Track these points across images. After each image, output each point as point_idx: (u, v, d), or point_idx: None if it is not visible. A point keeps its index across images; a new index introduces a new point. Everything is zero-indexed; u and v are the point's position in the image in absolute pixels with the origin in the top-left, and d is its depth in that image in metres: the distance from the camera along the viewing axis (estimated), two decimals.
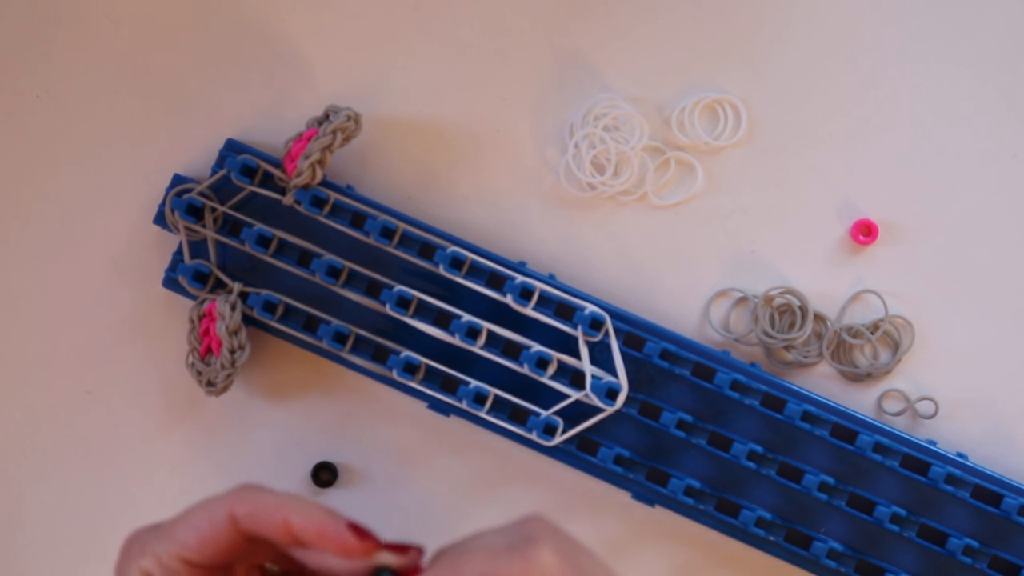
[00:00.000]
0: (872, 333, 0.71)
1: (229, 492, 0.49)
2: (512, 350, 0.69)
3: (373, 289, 0.69)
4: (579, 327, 0.68)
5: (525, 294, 0.68)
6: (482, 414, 0.68)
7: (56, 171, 0.73)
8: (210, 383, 0.69)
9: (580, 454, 0.69)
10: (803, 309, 0.71)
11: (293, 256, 0.69)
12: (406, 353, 0.69)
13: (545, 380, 0.68)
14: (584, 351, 0.68)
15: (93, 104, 0.74)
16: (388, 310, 0.68)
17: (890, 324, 0.72)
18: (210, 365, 0.69)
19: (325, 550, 0.48)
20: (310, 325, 0.70)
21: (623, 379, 0.68)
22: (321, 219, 0.69)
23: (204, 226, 0.69)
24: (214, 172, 0.70)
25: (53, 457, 0.73)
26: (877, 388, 0.72)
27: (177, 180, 0.71)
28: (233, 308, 0.68)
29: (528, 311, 0.68)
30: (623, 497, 0.70)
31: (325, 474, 0.72)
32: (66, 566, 0.73)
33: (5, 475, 0.73)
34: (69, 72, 0.74)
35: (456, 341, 0.68)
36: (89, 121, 0.73)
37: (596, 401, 0.68)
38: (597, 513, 0.72)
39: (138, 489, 0.73)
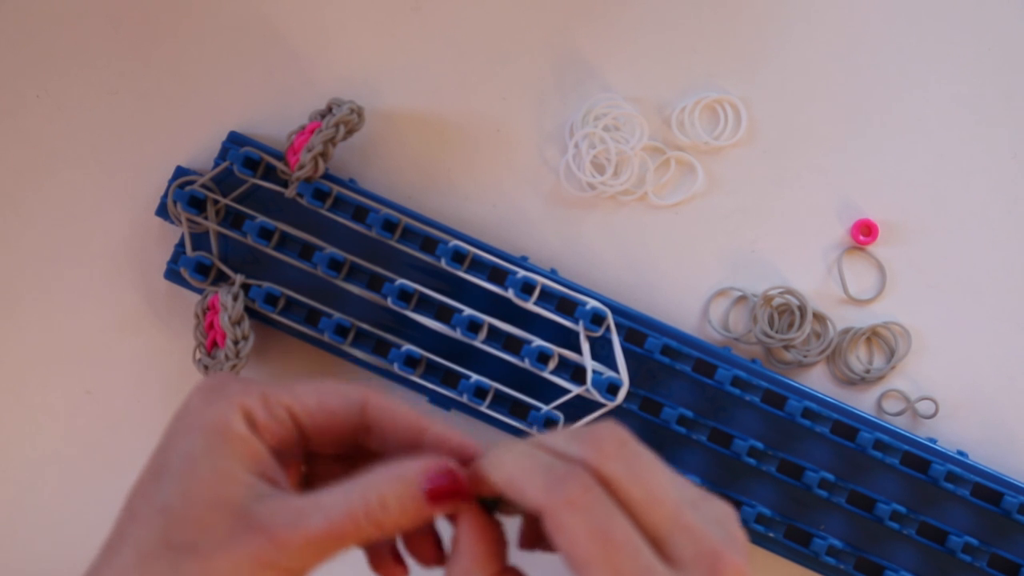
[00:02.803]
0: (868, 338, 0.72)
1: (363, 385, 0.49)
2: (513, 345, 0.69)
3: (375, 282, 0.69)
4: (580, 322, 0.68)
5: (527, 288, 0.68)
6: (483, 408, 0.68)
7: (56, 169, 0.73)
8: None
9: None
10: (802, 309, 0.71)
11: (295, 249, 0.69)
12: (407, 347, 0.69)
13: (546, 375, 0.68)
14: (585, 346, 0.68)
15: (93, 103, 0.74)
16: (390, 303, 0.68)
17: (887, 330, 0.72)
18: (216, 359, 0.68)
19: (442, 449, 0.49)
20: (311, 318, 0.69)
21: (624, 374, 0.68)
22: (323, 212, 0.69)
23: (206, 218, 0.69)
24: (217, 164, 0.70)
25: (53, 457, 0.73)
26: (877, 388, 0.72)
27: (180, 172, 0.71)
28: (235, 299, 0.68)
29: (530, 306, 0.68)
30: None
31: None
32: (66, 566, 0.72)
33: (5, 475, 0.73)
34: (69, 72, 0.74)
35: (457, 335, 0.68)
36: (89, 120, 0.74)
37: (597, 396, 0.68)
38: None
39: None
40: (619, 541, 0.44)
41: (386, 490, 0.46)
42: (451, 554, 0.48)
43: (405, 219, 0.69)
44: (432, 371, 0.69)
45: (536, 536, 0.51)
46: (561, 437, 0.47)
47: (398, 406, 0.49)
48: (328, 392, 0.49)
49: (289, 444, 0.49)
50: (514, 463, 0.46)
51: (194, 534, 0.45)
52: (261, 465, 0.47)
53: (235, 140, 0.71)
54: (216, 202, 0.70)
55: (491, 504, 0.49)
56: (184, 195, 0.69)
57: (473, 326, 0.68)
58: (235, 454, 0.47)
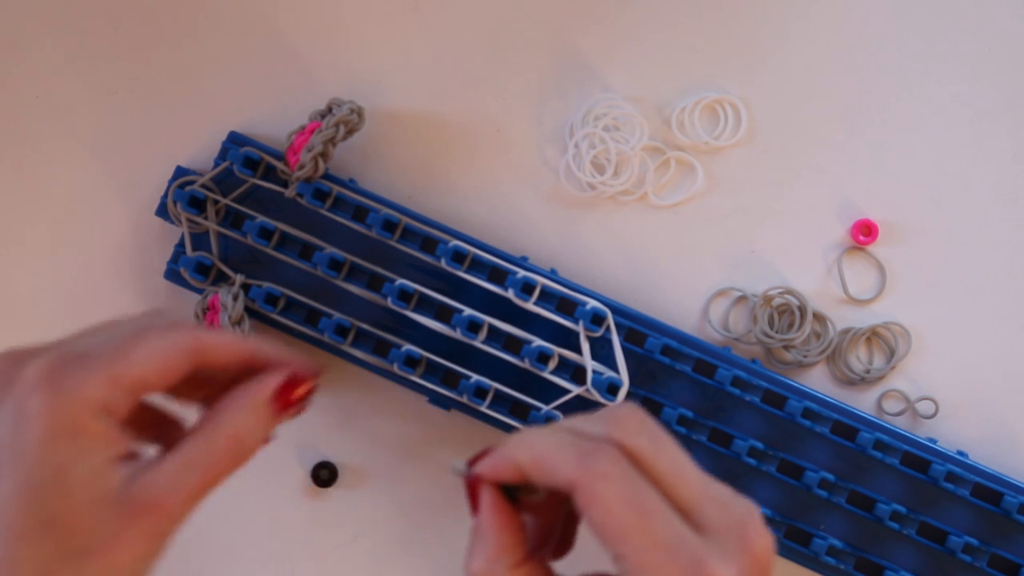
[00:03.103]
0: (868, 338, 0.72)
1: (174, 328, 0.50)
2: (513, 345, 0.69)
3: (375, 282, 0.69)
4: (580, 322, 0.68)
5: (527, 289, 0.68)
6: (483, 408, 0.68)
7: (56, 169, 0.73)
8: None
9: None
10: (802, 309, 0.71)
11: (295, 249, 0.69)
12: (407, 347, 0.69)
13: (546, 375, 0.68)
14: (585, 346, 0.68)
15: (93, 103, 0.74)
16: (390, 304, 0.68)
17: (887, 330, 0.72)
18: None
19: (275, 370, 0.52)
20: (311, 318, 0.69)
21: (624, 374, 0.68)
22: (323, 212, 0.69)
23: (206, 218, 0.69)
24: (217, 164, 0.70)
25: None
26: (877, 388, 0.72)
27: (180, 172, 0.71)
28: (235, 299, 0.68)
29: (530, 306, 0.68)
30: None
31: (324, 473, 0.71)
32: None
33: None
34: (69, 72, 0.74)
35: (457, 335, 0.68)
36: (89, 120, 0.74)
37: (597, 396, 0.68)
38: None
39: None
40: (652, 510, 0.45)
41: (241, 424, 0.50)
42: (473, 541, 0.49)
43: (405, 219, 0.69)
44: (432, 371, 0.69)
45: (545, 534, 0.51)
46: (582, 419, 0.49)
47: (223, 339, 0.51)
48: (164, 352, 0.49)
49: (145, 411, 0.52)
50: (542, 442, 0.47)
51: (85, 538, 0.46)
52: (122, 445, 0.48)
53: (235, 140, 0.71)
54: (216, 202, 0.70)
55: (511, 492, 0.49)
56: (184, 195, 0.69)
57: (473, 326, 0.68)
58: (96, 448, 0.47)
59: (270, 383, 0.51)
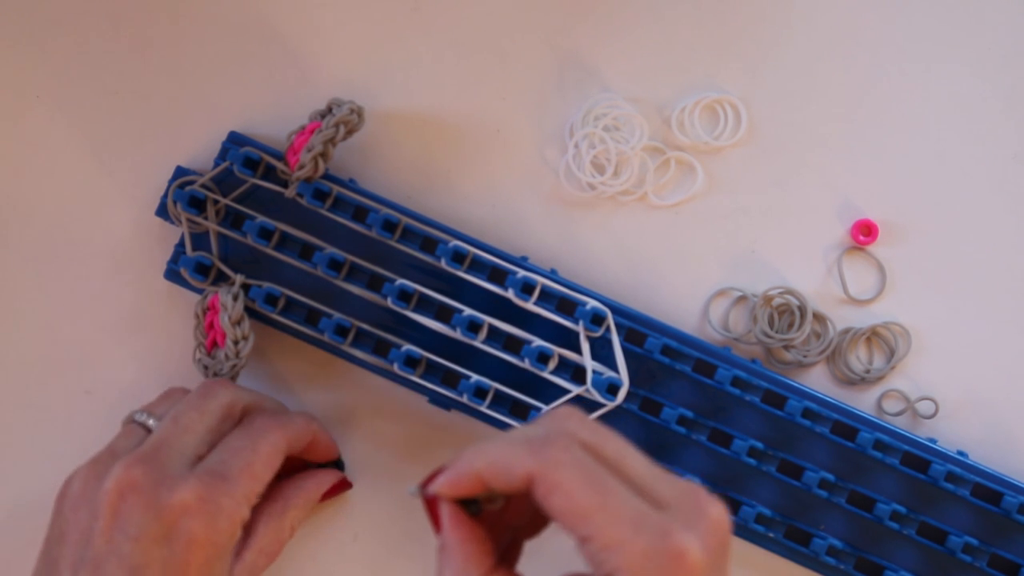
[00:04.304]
0: (868, 338, 0.72)
1: (273, 431, 0.63)
2: (513, 345, 0.69)
3: (375, 282, 0.69)
4: (580, 322, 0.68)
5: (527, 289, 0.68)
6: (483, 408, 0.68)
7: (56, 169, 0.73)
8: (216, 376, 0.68)
9: None
10: (802, 309, 0.71)
11: (295, 249, 0.69)
12: (407, 347, 0.69)
13: (546, 375, 0.68)
14: (585, 346, 0.68)
15: (93, 103, 0.74)
16: (390, 304, 0.68)
17: (887, 330, 0.72)
18: (216, 359, 0.68)
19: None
20: (312, 318, 0.69)
21: (624, 374, 0.68)
22: (323, 212, 0.69)
23: (206, 218, 0.69)
24: (217, 164, 0.70)
25: (53, 457, 0.73)
26: (877, 388, 0.72)
27: (180, 172, 0.71)
28: (235, 299, 0.68)
29: (530, 306, 0.68)
30: None
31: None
32: None
33: (5, 475, 0.72)
34: (69, 72, 0.74)
35: (457, 335, 0.68)
36: (89, 120, 0.74)
37: (597, 396, 0.68)
38: None
39: None
40: (611, 489, 0.47)
41: (300, 518, 0.66)
42: (440, 559, 0.50)
43: (405, 219, 0.69)
44: (432, 371, 0.69)
45: (514, 548, 0.54)
46: (524, 426, 0.52)
47: (300, 430, 0.66)
48: (274, 462, 0.62)
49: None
50: (494, 447, 0.49)
51: None
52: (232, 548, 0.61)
53: (235, 140, 0.71)
54: (216, 202, 0.70)
55: (471, 505, 0.50)
56: (184, 195, 0.69)
57: (473, 326, 0.68)
58: (229, 556, 0.60)
59: (323, 485, 0.67)
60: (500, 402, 0.69)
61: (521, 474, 0.47)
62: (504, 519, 0.53)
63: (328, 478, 0.68)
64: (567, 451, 0.47)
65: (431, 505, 0.51)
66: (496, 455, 0.49)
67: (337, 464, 0.71)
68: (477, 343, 0.68)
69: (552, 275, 0.69)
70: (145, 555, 0.56)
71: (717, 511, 0.48)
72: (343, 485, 0.70)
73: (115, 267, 0.73)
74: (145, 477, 0.57)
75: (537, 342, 0.68)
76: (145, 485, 0.57)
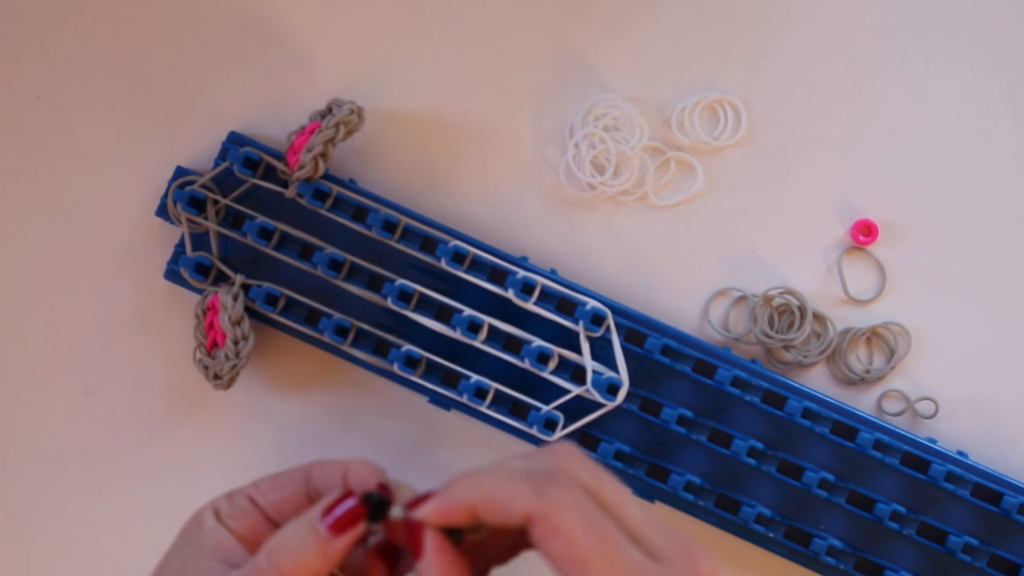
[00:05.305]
0: (868, 338, 0.72)
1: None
2: (513, 345, 0.69)
3: (375, 283, 0.69)
4: (580, 322, 0.68)
5: (527, 289, 0.68)
6: (483, 408, 0.68)
7: (56, 169, 0.73)
8: (216, 376, 0.68)
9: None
10: (802, 309, 0.71)
11: (295, 249, 0.69)
12: (407, 347, 0.69)
13: (546, 375, 0.68)
14: (585, 346, 0.68)
15: (93, 103, 0.74)
16: (390, 304, 0.68)
17: (887, 330, 0.72)
18: (216, 359, 0.68)
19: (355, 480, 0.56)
20: (312, 318, 0.69)
21: (624, 375, 0.68)
22: (323, 212, 0.69)
23: (206, 218, 0.69)
24: (217, 164, 0.70)
25: (53, 457, 0.73)
26: (877, 388, 0.72)
27: (180, 172, 0.71)
28: (235, 299, 0.68)
29: (530, 306, 0.68)
30: None
31: None
32: (68, 566, 0.72)
33: (5, 475, 0.72)
34: (69, 72, 0.74)
35: (457, 335, 0.68)
36: (89, 120, 0.73)
37: (597, 396, 0.68)
38: None
39: (140, 487, 0.72)
40: (612, 538, 0.46)
41: (291, 544, 0.51)
42: None
43: (405, 219, 0.69)
44: (432, 371, 0.69)
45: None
46: (522, 456, 0.50)
47: (329, 462, 0.57)
48: (280, 475, 0.57)
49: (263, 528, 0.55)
50: (492, 480, 0.47)
51: None
52: (224, 550, 0.53)
53: (235, 140, 0.71)
54: (216, 202, 0.70)
55: (454, 534, 0.49)
56: (184, 195, 0.69)
57: (473, 326, 0.68)
58: (201, 544, 0.53)
59: (324, 502, 0.52)
60: (500, 402, 0.69)
61: (520, 512, 0.46)
62: (481, 547, 0.52)
63: (324, 502, 0.53)
64: (571, 493, 0.46)
65: (413, 529, 0.50)
66: (494, 489, 0.47)
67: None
68: (477, 343, 0.68)
69: (552, 275, 0.69)
70: None
71: (710, 568, 0.48)
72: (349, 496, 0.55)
73: (115, 267, 0.73)
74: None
75: (537, 342, 0.68)
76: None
